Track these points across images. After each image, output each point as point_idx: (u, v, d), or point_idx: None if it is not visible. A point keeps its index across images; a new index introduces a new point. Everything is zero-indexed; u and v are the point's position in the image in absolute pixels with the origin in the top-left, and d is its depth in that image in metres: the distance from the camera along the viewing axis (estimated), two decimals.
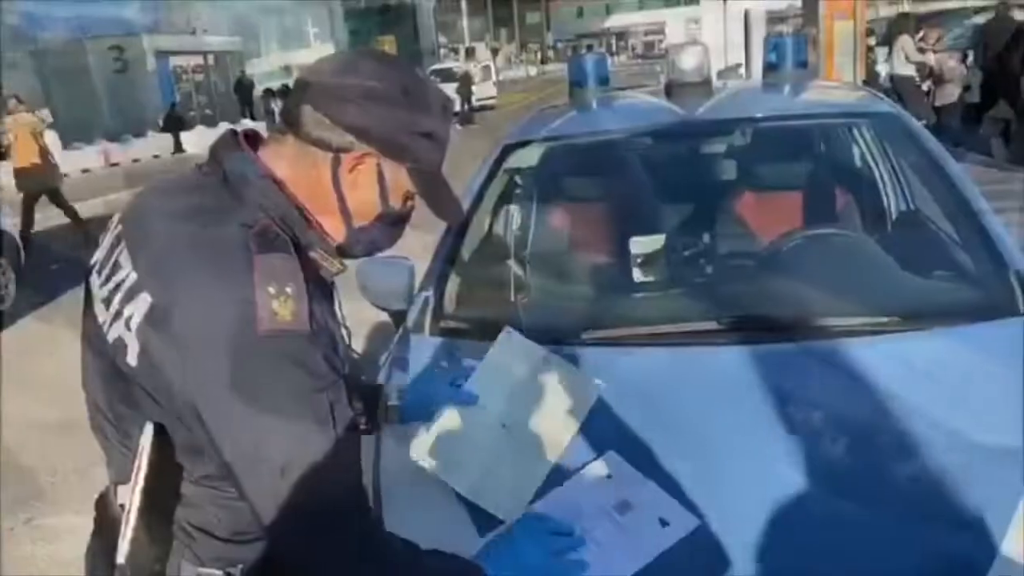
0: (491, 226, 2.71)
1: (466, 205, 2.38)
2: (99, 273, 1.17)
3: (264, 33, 34.21)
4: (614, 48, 63.40)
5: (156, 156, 18.74)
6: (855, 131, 2.97)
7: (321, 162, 1.13)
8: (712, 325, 1.92)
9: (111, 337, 1.11)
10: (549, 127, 2.79)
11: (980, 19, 12.75)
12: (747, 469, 1.46)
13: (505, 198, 2.75)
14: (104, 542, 1.24)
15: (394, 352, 2.02)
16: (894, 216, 2.83)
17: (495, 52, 47.19)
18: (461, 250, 2.39)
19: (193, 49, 25.55)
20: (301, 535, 1.07)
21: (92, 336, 1.17)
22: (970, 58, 10.91)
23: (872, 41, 12.39)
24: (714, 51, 3.12)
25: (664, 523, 1.37)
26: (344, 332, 1.21)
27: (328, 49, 34.59)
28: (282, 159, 1.15)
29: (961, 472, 1.42)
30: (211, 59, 26.22)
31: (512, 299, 2.22)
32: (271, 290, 1.03)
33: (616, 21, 72.44)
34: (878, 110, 2.67)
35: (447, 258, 2.29)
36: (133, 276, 1.09)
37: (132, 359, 1.07)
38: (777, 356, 1.76)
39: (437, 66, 30.40)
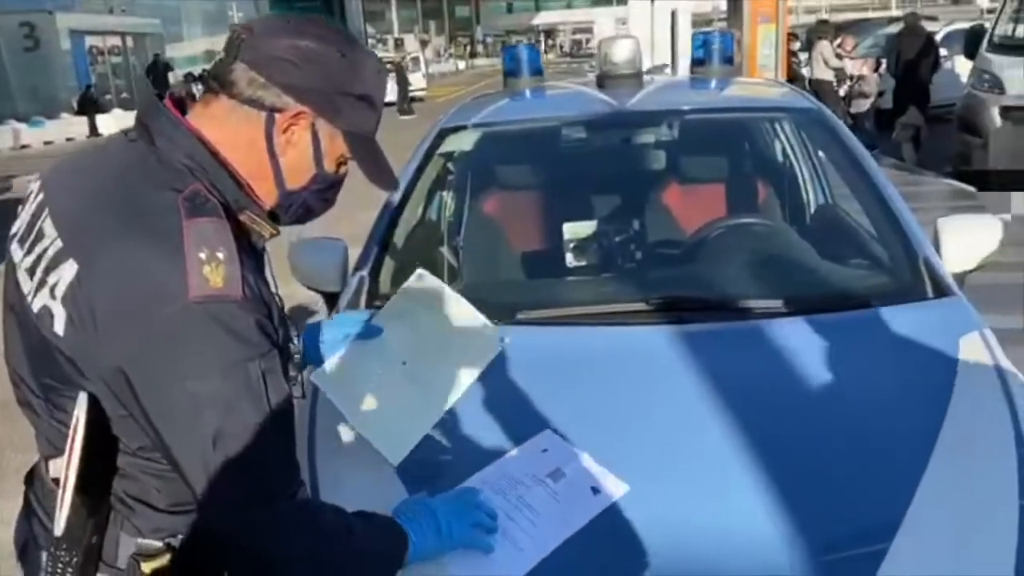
0: (425, 209, 2.72)
1: (401, 188, 2.40)
2: (21, 244, 1.15)
3: (186, 16, 33.22)
4: (543, 45, 63.69)
5: (70, 139, 18.02)
6: (777, 126, 3.09)
7: (254, 121, 1.12)
8: (641, 306, 1.98)
9: (36, 307, 1.08)
10: (484, 113, 2.82)
11: (893, 29, 13.31)
12: (674, 438, 1.53)
13: (439, 182, 2.77)
14: (35, 517, 1.22)
15: None
16: (812, 208, 2.95)
17: (424, 44, 46.79)
18: (396, 232, 2.39)
19: (110, 29, 24.64)
20: (232, 506, 1.07)
21: (16, 307, 1.15)
22: (883, 66, 11.38)
23: (796, 46, 12.81)
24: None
25: (596, 491, 1.42)
26: (278, 300, 1.19)
27: None
28: (212, 120, 1.13)
29: (876, 436, 1.52)
30: (129, 40, 25.35)
31: (447, 280, 2.25)
32: (202, 255, 1.02)
33: (545, 18, 72.74)
34: (799, 106, 2.78)
35: (381, 240, 2.30)
36: (58, 244, 1.08)
37: (59, 328, 1.05)
38: (702, 335, 1.83)
39: None
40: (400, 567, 1.23)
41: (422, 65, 27.57)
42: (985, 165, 7.92)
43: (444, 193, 2.79)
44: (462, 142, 2.71)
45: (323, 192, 1.22)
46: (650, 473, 1.44)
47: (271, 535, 1.10)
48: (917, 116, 9.77)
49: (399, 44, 44.56)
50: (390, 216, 2.37)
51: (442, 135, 2.63)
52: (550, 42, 66.25)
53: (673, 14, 12.52)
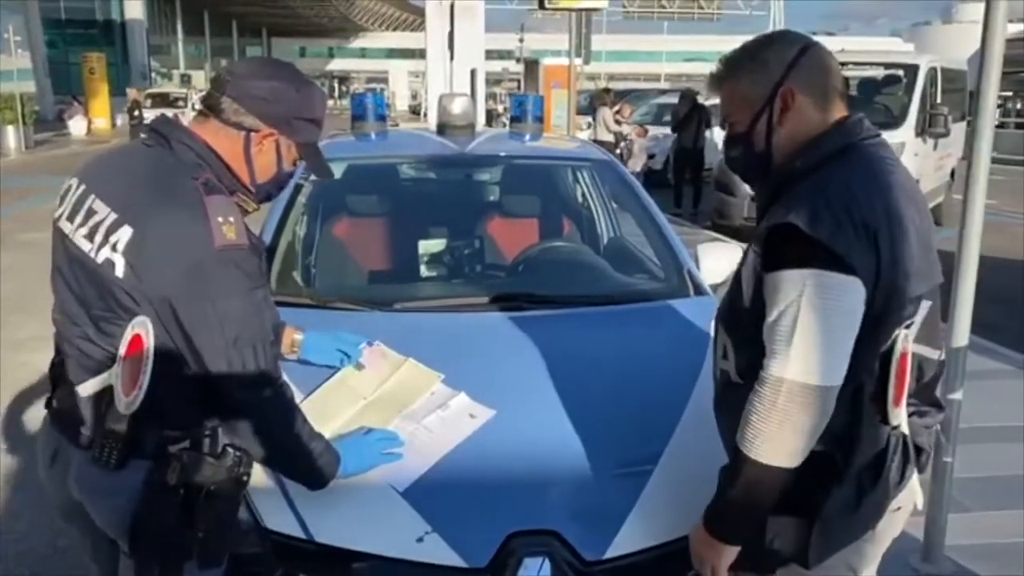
0: (296, 229, 3.19)
1: (275, 215, 2.89)
2: (70, 220, 1.59)
3: None
4: (336, 91, 63.98)
5: None
6: (578, 173, 3.87)
7: (236, 138, 1.64)
8: (484, 299, 2.62)
9: (100, 259, 1.52)
10: (339, 150, 3.36)
11: (664, 99, 15.06)
12: (515, 384, 2.14)
13: (308, 208, 3.25)
14: (66, 430, 1.61)
15: None
16: (605, 240, 3.72)
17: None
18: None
19: None
20: (247, 387, 1.56)
21: (72, 262, 1.57)
22: (650, 131, 12.95)
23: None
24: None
25: (472, 416, 2.00)
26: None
27: (27, 58, 31.58)
28: (208, 135, 1.64)
29: (649, 388, 2.18)
30: None
31: (325, 283, 2.77)
32: (219, 219, 1.52)
33: (338, 65, 73.13)
34: (597, 157, 3.57)
35: (268, 249, 2.75)
36: (113, 215, 1.54)
37: (120, 272, 1.51)
38: (530, 319, 2.49)
39: (153, 90, 29.03)
40: (332, 476, 1.73)
41: None
42: (737, 218, 9.39)
43: (316, 216, 3.28)
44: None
45: (281, 183, 1.77)
46: (504, 405, 2.03)
47: (273, 405, 1.61)
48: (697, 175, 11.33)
49: (186, 79, 43.23)
50: (274, 231, 2.83)
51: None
52: (343, 88, 66.54)
53: (473, 72, 13.55)
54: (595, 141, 12.21)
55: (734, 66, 1.55)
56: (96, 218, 1.55)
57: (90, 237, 1.54)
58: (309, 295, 2.67)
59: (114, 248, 1.51)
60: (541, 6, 11.50)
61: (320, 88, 1.78)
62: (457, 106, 3.46)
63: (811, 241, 1.34)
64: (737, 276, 1.54)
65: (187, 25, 53.59)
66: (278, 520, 1.74)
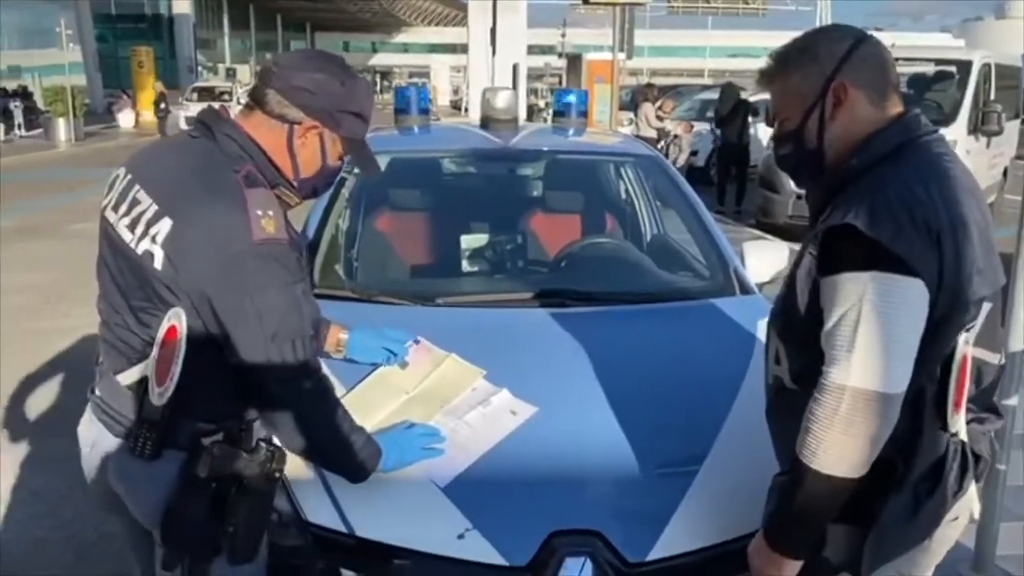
0: (340, 222, 3.20)
1: (319, 209, 2.89)
2: (115, 210, 1.59)
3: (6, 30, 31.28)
4: (378, 86, 64.37)
5: None
6: (622, 168, 3.82)
7: (280, 130, 1.62)
8: (527, 295, 2.60)
9: (140, 250, 1.52)
10: (382, 144, 3.35)
11: (708, 95, 14.89)
12: (559, 381, 2.12)
13: (352, 200, 3.25)
14: (105, 418, 1.63)
15: None
16: (649, 237, 3.68)
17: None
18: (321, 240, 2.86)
19: None
20: (285, 381, 1.56)
21: (115, 252, 1.58)
22: (695, 127, 12.80)
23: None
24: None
25: (513, 412, 1.98)
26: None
27: (78, 52, 32.28)
28: (252, 127, 1.62)
29: (695, 388, 2.14)
30: None
31: (368, 277, 2.77)
32: (258, 212, 1.51)
33: (381, 60, 73.56)
34: (641, 152, 3.52)
35: (311, 243, 2.76)
36: (155, 207, 1.53)
37: (159, 264, 1.50)
38: (576, 315, 2.45)
39: (199, 84, 29.44)
40: (374, 469, 1.72)
41: None
42: (782, 217, 9.25)
43: (359, 210, 3.28)
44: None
45: (327, 178, 1.73)
46: (547, 403, 2.00)
47: (312, 399, 1.60)
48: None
49: (231, 73, 43.78)
50: (317, 225, 2.84)
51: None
52: (385, 83, 66.93)
53: (515, 67, 13.55)
54: (636, 137, 12.14)
55: (784, 60, 1.50)
56: (139, 208, 1.55)
57: (132, 228, 1.55)
58: (351, 288, 2.67)
59: (154, 240, 1.51)
60: (584, 1, 11.45)
61: (367, 82, 1.74)
62: (501, 100, 3.44)
63: (871, 243, 1.29)
64: (791, 279, 1.49)
65: (233, 19, 54.35)
66: (319, 513, 1.73)
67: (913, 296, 1.30)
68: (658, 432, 1.95)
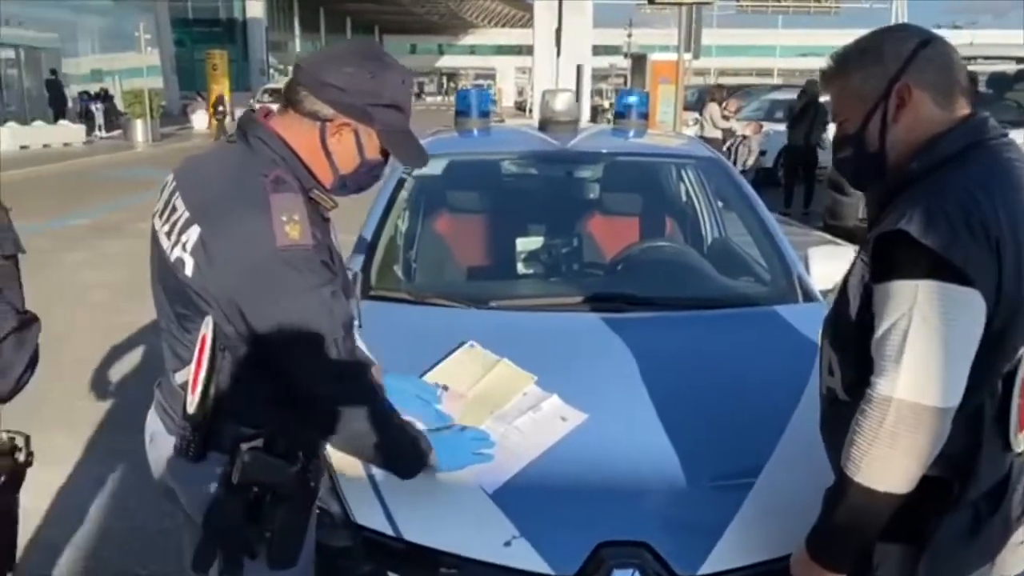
0: (398, 225, 3.22)
1: (378, 211, 2.91)
2: (160, 216, 1.62)
3: (82, 32, 32.46)
4: (444, 87, 64.95)
5: None
6: (683, 170, 3.76)
7: (313, 128, 1.60)
8: (579, 300, 2.56)
9: (173, 257, 1.54)
10: (441, 146, 3.36)
11: (777, 95, 14.59)
12: (612, 387, 2.08)
13: (410, 203, 3.27)
14: (164, 413, 1.66)
15: None
16: (709, 241, 3.61)
17: None
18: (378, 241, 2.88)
19: (5, 42, 23.93)
20: (319, 383, 1.55)
21: (158, 259, 1.61)
22: (764, 127, 12.55)
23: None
24: None
25: (563, 419, 1.96)
26: (338, 251, 1.69)
27: (156, 55, 33.34)
28: (286, 128, 1.61)
29: (754, 398, 2.08)
30: (22, 54, 24.68)
31: (423, 279, 2.78)
32: (283, 218, 1.49)
33: (447, 62, 74.18)
34: (702, 154, 3.45)
35: (370, 245, 2.79)
36: (186, 214, 1.55)
37: (189, 272, 1.52)
38: (631, 321, 2.41)
39: (270, 86, 30.12)
40: (424, 464, 1.71)
41: None
42: (851, 219, 9.00)
43: (418, 211, 3.30)
44: (433, 168, 3.23)
45: (370, 172, 1.69)
46: (598, 410, 1.97)
47: (353, 397, 1.59)
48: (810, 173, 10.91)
49: None
50: (374, 229, 2.85)
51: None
52: (451, 84, 67.48)
53: (579, 68, 13.50)
54: (701, 138, 11.98)
55: (845, 61, 1.44)
56: (175, 216, 1.57)
57: (169, 235, 1.57)
58: (407, 290, 2.68)
59: (184, 247, 1.52)
60: (650, 1, 11.34)
61: (402, 70, 1.67)
62: (560, 102, 3.42)
63: (924, 250, 1.23)
64: (844, 287, 1.44)
65: (304, 22, 55.44)
66: (368, 515, 1.74)
67: (968, 306, 1.24)
68: (713, 443, 1.90)
